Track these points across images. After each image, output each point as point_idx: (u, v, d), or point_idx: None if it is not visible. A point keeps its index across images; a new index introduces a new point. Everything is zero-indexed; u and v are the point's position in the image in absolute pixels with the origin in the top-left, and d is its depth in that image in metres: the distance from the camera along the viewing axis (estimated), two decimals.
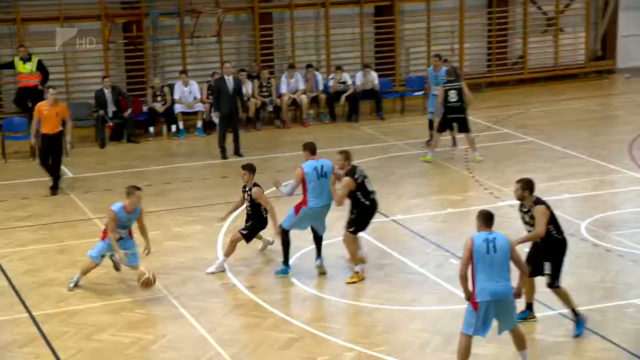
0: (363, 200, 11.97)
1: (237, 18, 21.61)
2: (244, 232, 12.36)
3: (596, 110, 21.24)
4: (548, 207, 10.29)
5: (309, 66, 20.81)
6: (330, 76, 20.98)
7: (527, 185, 10.28)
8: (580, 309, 10.90)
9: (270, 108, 20.33)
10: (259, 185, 12.33)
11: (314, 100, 20.73)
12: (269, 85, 20.23)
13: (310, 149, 12.46)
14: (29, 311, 11.22)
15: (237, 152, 17.89)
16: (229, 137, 17.85)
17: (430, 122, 17.96)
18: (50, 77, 19.12)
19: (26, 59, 18.86)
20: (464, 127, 17.04)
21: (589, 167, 16.73)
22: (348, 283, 12.01)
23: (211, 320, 10.97)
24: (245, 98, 18.77)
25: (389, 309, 11.21)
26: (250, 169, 12.34)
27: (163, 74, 20.18)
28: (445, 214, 14.36)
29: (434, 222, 14.08)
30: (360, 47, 22.12)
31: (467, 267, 9.31)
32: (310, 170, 12.10)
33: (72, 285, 11.83)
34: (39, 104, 16.06)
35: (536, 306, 11.03)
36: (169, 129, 19.73)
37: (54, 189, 15.85)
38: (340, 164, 12.05)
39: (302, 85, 20.45)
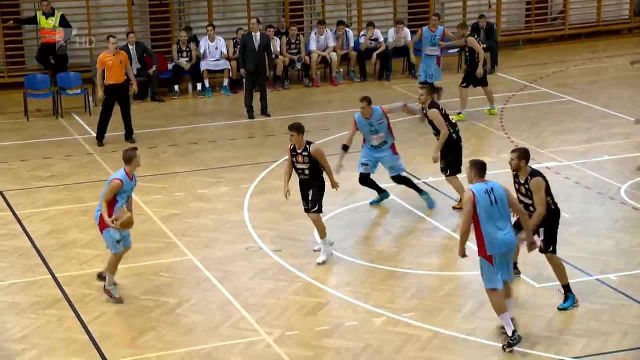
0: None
1: None
2: (317, 207, 11.57)
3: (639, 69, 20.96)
4: (544, 178, 10.16)
5: (340, 23, 20.68)
6: (362, 33, 20.86)
7: (523, 155, 10.11)
8: (619, 274, 10.91)
9: (298, 66, 20.28)
10: (313, 143, 11.66)
11: (345, 58, 20.64)
12: (297, 42, 20.15)
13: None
14: (52, 273, 11.38)
15: (264, 112, 17.90)
16: (256, 96, 17.86)
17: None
18: (74, 33, 19.18)
19: (49, 14, 18.93)
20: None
21: (630, 128, 16.52)
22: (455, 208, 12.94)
23: (236, 285, 11.07)
24: (274, 56, 18.72)
25: (419, 274, 11.24)
26: (298, 129, 11.42)
27: (190, 28, 20.07)
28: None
29: (467, 185, 14.00)
30: (393, 3, 21.95)
31: (471, 222, 9.40)
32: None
33: (116, 294, 10.63)
34: (101, 55, 16.28)
35: (573, 271, 11.01)
36: (195, 87, 19.76)
37: (130, 136, 16.33)
38: (422, 99, 12.78)
39: (332, 43, 20.36)
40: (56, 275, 11.32)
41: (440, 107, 12.95)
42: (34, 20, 19.26)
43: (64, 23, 19.00)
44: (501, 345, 9.50)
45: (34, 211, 13.44)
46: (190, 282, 11.20)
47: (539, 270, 11.15)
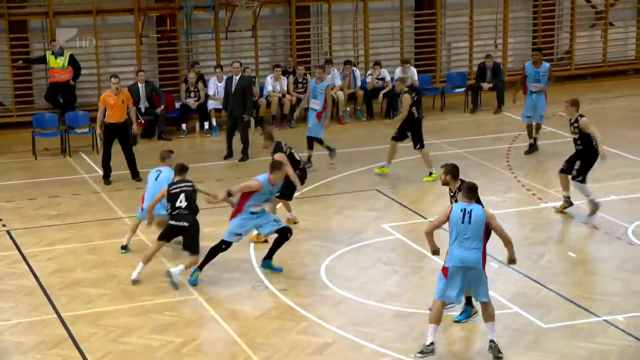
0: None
1: (273, 11, 21.68)
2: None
3: None
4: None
5: (347, 62, 20.80)
6: (369, 72, 20.98)
7: (449, 170, 10.88)
8: (628, 315, 10.87)
9: (305, 104, 20.30)
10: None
11: (351, 97, 20.73)
12: (304, 81, 20.26)
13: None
14: (57, 312, 11.34)
15: (242, 156, 17.73)
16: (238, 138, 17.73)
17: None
18: (83, 72, 19.35)
19: (58, 54, 19.07)
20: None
21: (637, 168, 16.55)
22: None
23: (242, 324, 11.02)
24: (255, 99, 18.69)
25: (425, 314, 11.16)
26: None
27: (198, 67, 20.20)
28: None
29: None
30: (400, 42, 22.10)
31: (434, 228, 10.24)
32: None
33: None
34: (104, 94, 16.50)
35: (581, 312, 10.96)
36: (202, 126, 19.83)
37: (136, 176, 16.36)
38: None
39: (339, 82, 20.45)
40: (61, 314, 11.28)
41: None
42: (43, 60, 19.40)
43: (73, 62, 19.14)
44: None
45: (39, 250, 13.44)
46: (195, 321, 11.16)
47: (546, 310, 11.12)
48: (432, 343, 9.91)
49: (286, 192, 13.47)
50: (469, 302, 10.91)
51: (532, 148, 17.63)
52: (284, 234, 12.33)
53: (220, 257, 13.03)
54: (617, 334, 10.50)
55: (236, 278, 12.38)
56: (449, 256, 9.97)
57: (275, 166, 12.18)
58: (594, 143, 13.95)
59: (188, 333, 10.81)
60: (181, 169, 12.55)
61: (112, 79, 16.51)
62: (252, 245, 13.42)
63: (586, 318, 10.89)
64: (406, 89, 16.31)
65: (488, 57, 21.14)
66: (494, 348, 9.91)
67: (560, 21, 23.45)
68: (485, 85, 20.98)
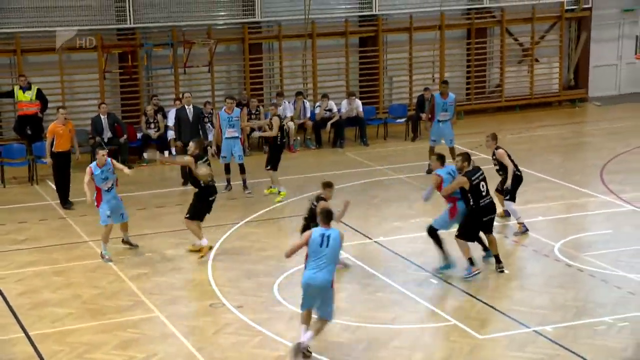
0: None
1: (227, 48, 21.68)
2: None
3: (569, 137, 21.37)
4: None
5: (298, 94, 20.89)
6: (317, 104, 21.08)
7: (465, 159, 12.62)
8: (555, 326, 10.99)
9: (258, 134, 20.30)
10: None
11: (301, 127, 20.79)
12: (257, 112, 20.25)
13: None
14: (25, 331, 11.14)
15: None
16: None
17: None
18: (49, 105, 19.13)
19: (26, 88, 18.87)
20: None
21: (563, 191, 16.80)
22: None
23: (201, 339, 10.94)
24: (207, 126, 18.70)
25: (371, 327, 11.20)
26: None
27: (157, 100, 20.14)
28: (425, 236, 14.32)
29: (415, 244, 14.09)
30: (346, 76, 22.23)
31: (295, 251, 10.46)
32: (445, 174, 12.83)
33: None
34: (52, 124, 16.39)
35: (512, 323, 11.07)
36: (162, 155, 19.71)
37: (67, 203, 16.20)
38: (458, 165, 12.86)
39: (289, 113, 20.51)
40: (29, 333, 11.09)
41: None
42: (11, 94, 19.18)
43: (40, 96, 18.95)
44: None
45: (8, 272, 13.22)
46: (156, 338, 11.04)
47: (481, 322, 11.21)
48: (299, 343, 10.19)
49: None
50: (471, 262, 12.30)
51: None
52: None
53: (181, 277, 12.99)
54: (546, 343, 10.60)
55: (195, 296, 12.30)
56: (304, 274, 10.23)
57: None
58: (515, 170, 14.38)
59: (150, 349, 10.69)
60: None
61: (60, 110, 16.49)
62: (210, 265, 13.36)
63: (518, 329, 10.99)
64: (278, 113, 16.92)
65: (426, 90, 21.33)
66: (307, 356, 10.22)
67: (491, 57, 23.77)
68: (424, 116, 21.15)
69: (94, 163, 13.51)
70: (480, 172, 12.75)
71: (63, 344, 10.76)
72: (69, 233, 14.94)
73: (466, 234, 12.67)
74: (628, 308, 11.57)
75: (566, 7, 23.72)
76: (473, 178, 12.57)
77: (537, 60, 23.94)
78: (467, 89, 23.50)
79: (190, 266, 13.43)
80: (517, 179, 14.42)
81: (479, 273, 12.59)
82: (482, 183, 12.65)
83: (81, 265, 13.39)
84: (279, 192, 16.56)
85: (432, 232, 12.91)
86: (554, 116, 23.24)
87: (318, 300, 10.25)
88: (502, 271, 12.75)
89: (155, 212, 16.12)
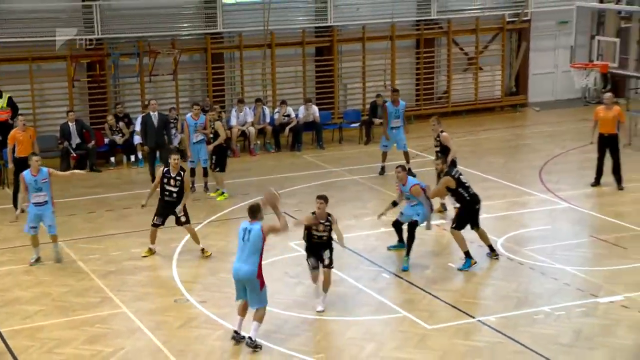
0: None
1: (191, 58, 21.56)
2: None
3: (511, 140, 21.58)
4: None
5: (257, 100, 20.84)
6: (276, 110, 21.04)
7: (445, 161, 13.25)
8: (498, 316, 11.08)
9: (211, 147, 20.20)
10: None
11: (261, 132, 20.75)
12: (219, 119, 20.12)
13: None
14: None
15: None
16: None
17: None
18: (20, 112, 18.83)
19: None
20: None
21: (505, 190, 16.95)
22: None
23: (166, 333, 10.86)
24: (173, 131, 18.53)
25: (327, 320, 11.21)
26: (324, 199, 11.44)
27: (121, 107, 19.97)
28: (378, 233, 14.42)
29: (368, 241, 14.14)
30: (303, 84, 22.22)
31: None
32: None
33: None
34: (12, 131, 16.08)
35: (459, 314, 11.15)
36: (128, 159, 19.56)
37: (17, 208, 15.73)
38: (439, 167, 13.27)
39: (250, 118, 20.46)
40: (0, 330, 10.92)
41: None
42: None
43: (11, 103, 18.66)
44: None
45: None
46: (123, 332, 10.93)
47: (430, 313, 11.27)
48: (235, 332, 10.39)
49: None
50: (468, 255, 12.46)
51: (383, 171, 18.04)
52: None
53: (147, 275, 12.89)
54: (490, 332, 10.70)
55: (160, 292, 12.21)
56: (233, 266, 10.35)
57: None
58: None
59: (117, 343, 10.59)
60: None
61: (19, 117, 16.27)
62: (174, 263, 13.27)
63: (464, 319, 11.07)
64: (217, 117, 17.06)
65: (378, 96, 21.40)
66: (251, 343, 10.24)
67: (439, 66, 23.92)
68: (377, 121, 21.19)
69: (28, 171, 13.03)
70: (456, 168, 12.99)
71: (34, 339, 10.62)
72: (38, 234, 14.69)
73: (461, 224, 12.83)
74: (564, 298, 11.73)
75: (507, 19, 23.95)
76: (455, 174, 12.73)
77: (481, 69, 24.14)
78: (417, 95, 23.62)
79: (156, 264, 13.33)
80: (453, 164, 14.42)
81: (497, 257, 12.98)
82: (462, 176, 12.87)
83: (51, 264, 13.21)
84: (222, 192, 16.47)
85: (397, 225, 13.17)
86: (497, 120, 23.46)
87: (247, 290, 10.29)
88: (497, 257, 13.06)
89: (123, 213, 15.97)
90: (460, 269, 12.72)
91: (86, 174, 13.74)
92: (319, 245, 11.47)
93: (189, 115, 17.20)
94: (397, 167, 13.12)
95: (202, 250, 13.50)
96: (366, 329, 10.89)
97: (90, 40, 20.01)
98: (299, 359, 10.10)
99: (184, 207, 13.39)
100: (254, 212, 10.32)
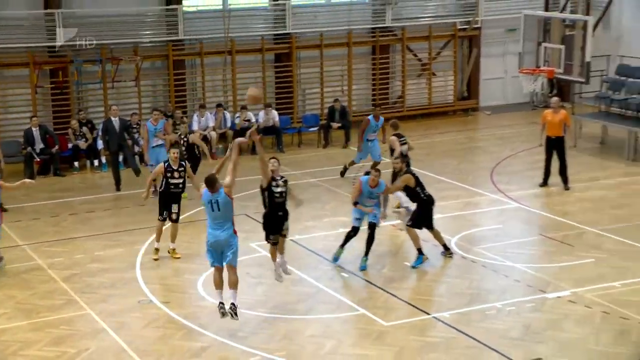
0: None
1: (153, 64, 21.39)
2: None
3: (463, 143, 21.76)
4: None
5: (218, 105, 20.76)
6: (237, 115, 20.97)
7: (405, 160, 13.15)
8: (451, 312, 11.16)
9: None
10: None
11: (222, 136, 20.65)
12: (181, 123, 20.03)
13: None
14: None
15: (137, 174, 17.33)
16: (128, 171, 17.44)
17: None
18: None
19: None
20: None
21: (458, 191, 17.09)
22: None
23: (130, 333, 10.76)
24: (133, 136, 18.41)
25: (288, 318, 11.20)
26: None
27: (84, 114, 19.76)
28: (336, 234, 14.42)
29: (327, 241, 14.16)
30: (263, 89, 22.15)
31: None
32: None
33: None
34: None
35: (415, 311, 11.21)
36: (92, 164, 19.35)
37: None
38: (397, 166, 13.29)
39: (211, 123, 20.37)
40: None
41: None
42: None
43: None
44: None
45: None
46: (88, 333, 10.81)
47: (387, 310, 11.32)
48: (220, 303, 10.46)
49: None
50: (420, 251, 12.61)
51: (344, 173, 18.11)
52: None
53: (110, 277, 12.76)
54: (444, 328, 10.78)
55: (124, 294, 12.09)
56: (207, 235, 10.49)
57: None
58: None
59: (82, 344, 10.46)
60: None
61: None
62: (138, 264, 13.16)
63: (419, 316, 11.14)
64: (189, 132, 17.03)
65: (336, 101, 21.50)
66: (234, 309, 10.40)
67: (394, 71, 24.03)
68: (335, 125, 21.31)
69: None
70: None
71: None
72: (3, 239, 14.41)
73: (417, 222, 12.92)
74: (514, 294, 11.86)
75: (459, 27, 24.16)
76: (414, 173, 12.82)
77: (434, 74, 24.32)
78: (373, 100, 23.70)
79: (120, 266, 13.19)
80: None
81: (451, 255, 13.08)
82: (418, 176, 13.03)
83: (15, 267, 13.01)
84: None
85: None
86: (450, 124, 23.64)
87: (225, 250, 10.45)
88: (451, 256, 13.14)
89: (86, 217, 15.79)
90: (412, 266, 12.80)
91: (36, 183, 13.51)
92: (280, 207, 11.69)
93: (149, 120, 17.07)
94: (375, 170, 12.97)
95: (173, 250, 13.40)
96: (325, 327, 10.90)
97: (52, 47, 19.79)
98: (261, 357, 10.07)
99: (179, 205, 13.44)
100: (212, 183, 10.46)
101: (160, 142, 16.85)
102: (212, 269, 10.81)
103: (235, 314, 10.44)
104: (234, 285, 10.54)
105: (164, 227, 13.54)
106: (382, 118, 17.99)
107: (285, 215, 11.78)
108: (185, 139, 16.02)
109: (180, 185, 13.47)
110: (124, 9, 20.46)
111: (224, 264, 10.59)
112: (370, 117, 17.93)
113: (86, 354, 10.18)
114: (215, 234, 10.45)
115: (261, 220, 12.02)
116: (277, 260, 11.82)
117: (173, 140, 18.51)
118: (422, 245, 12.93)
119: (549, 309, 11.31)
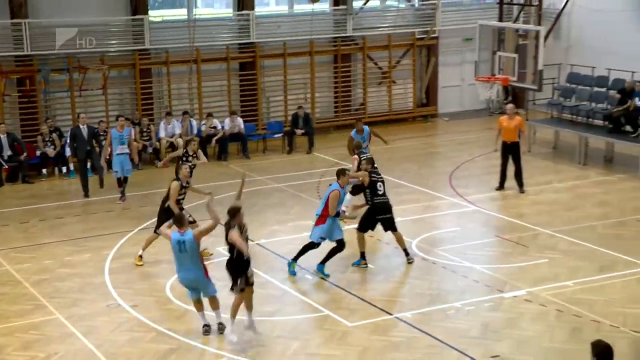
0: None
1: (120, 73, 21.20)
2: None
3: (423, 148, 21.90)
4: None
5: (184, 113, 20.64)
6: (203, 122, 20.87)
7: (370, 161, 13.13)
8: (413, 312, 11.21)
9: (150, 150, 20.03)
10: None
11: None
12: (149, 130, 19.95)
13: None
14: None
15: (101, 185, 17.13)
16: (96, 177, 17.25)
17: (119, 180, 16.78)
18: None
19: None
20: None
21: (418, 195, 17.18)
22: None
23: (99, 337, 10.64)
24: (103, 144, 18.27)
25: (255, 320, 11.13)
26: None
27: (51, 122, 19.51)
28: (301, 237, 14.40)
29: (292, 245, 14.12)
30: (228, 97, 22.10)
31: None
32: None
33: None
34: None
35: (378, 312, 11.24)
36: (60, 171, 19.11)
37: None
38: (363, 166, 13.28)
39: (178, 130, 20.25)
40: None
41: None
42: None
43: None
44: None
45: None
46: (57, 338, 10.67)
47: (351, 311, 11.33)
48: (205, 325, 10.60)
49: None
50: (363, 255, 12.77)
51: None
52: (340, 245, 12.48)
53: (79, 281, 12.59)
54: (406, 327, 10.82)
55: (93, 298, 11.95)
56: (178, 275, 10.48)
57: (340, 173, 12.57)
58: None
59: (51, 348, 10.32)
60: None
61: None
62: (107, 269, 13.02)
63: (382, 316, 11.17)
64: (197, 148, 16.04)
65: (300, 108, 21.51)
66: (222, 327, 10.56)
67: (355, 79, 24.12)
68: (298, 131, 21.31)
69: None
70: (381, 175, 13.07)
71: None
72: None
73: (363, 226, 12.93)
74: (473, 294, 11.95)
75: (417, 36, 24.33)
76: (373, 175, 12.81)
77: (394, 82, 24.45)
78: (335, 107, 23.77)
79: (88, 271, 13.04)
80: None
81: (366, 266, 12.88)
82: (380, 183, 12.95)
83: None
84: None
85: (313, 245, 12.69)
86: (410, 130, 23.77)
87: (198, 288, 10.47)
88: (412, 262, 13.06)
89: (55, 223, 15.59)
90: (353, 264, 12.90)
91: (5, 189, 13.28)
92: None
93: (114, 128, 16.92)
94: (344, 170, 12.83)
95: (140, 257, 13.22)
96: (292, 328, 10.88)
97: (19, 57, 19.54)
98: (228, 358, 10.02)
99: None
100: (180, 221, 10.38)
101: (125, 150, 16.69)
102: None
103: (223, 331, 10.50)
104: (216, 306, 10.60)
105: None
106: (366, 128, 16.72)
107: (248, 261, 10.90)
108: (194, 155, 14.88)
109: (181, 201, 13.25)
110: (91, 18, 20.26)
111: (204, 297, 10.60)
112: (352, 132, 16.69)
113: (55, 358, 10.04)
114: (183, 276, 10.42)
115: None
116: (246, 321, 10.90)
117: (140, 147, 18.35)
118: (365, 250, 12.95)
119: (506, 308, 11.42)
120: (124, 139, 16.64)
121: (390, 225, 13.08)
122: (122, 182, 16.76)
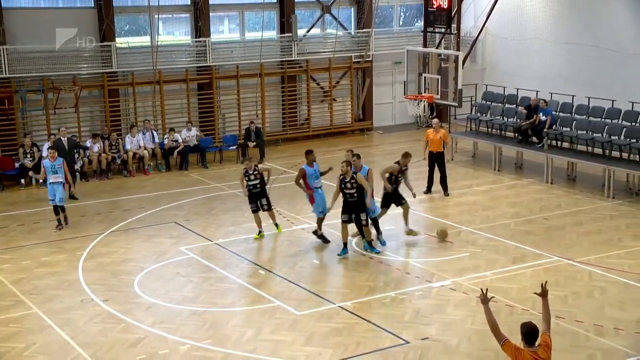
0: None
1: (90, 93, 20.82)
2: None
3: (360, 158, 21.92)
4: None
5: (146, 120, 20.39)
6: (165, 136, 20.63)
7: (358, 157, 13.29)
8: (354, 301, 11.25)
9: (118, 161, 19.71)
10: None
11: (153, 154, 20.28)
12: (117, 144, 19.64)
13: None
14: None
15: (70, 197, 16.77)
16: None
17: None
18: None
19: None
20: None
21: None
22: None
23: (73, 329, 10.42)
24: (85, 152, 17.95)
25: (214, 311, 11.07)
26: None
27: (30, 137, 19.06)
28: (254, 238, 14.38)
29: (247, 243, 14.08)
30: (188, 114, 21.90)
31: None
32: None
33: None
34: None
35: (323, 302, 11.23)
36: (37, 181, 18.62)
37: None
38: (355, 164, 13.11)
39: (142, 142, 19.99)
40: None
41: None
42: None
43: None
44: None
45: None
46: (35, 330, 10.41)
47: (299, 302, 11.32)
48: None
49: None
50: (345, 246, 12.83)
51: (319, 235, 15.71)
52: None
53: (56, 279, 12.32)
54: (348, 315, 10.85)
55: (68, 294, 11.70)
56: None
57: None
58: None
59: (29, 339, 10.08)
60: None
61: None
62: (80, 268, 12.76)
63: (327, 306, 11.17)
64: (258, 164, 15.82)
65: (252, 123, 21.41)
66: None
67: (300, 97, 24.13)
68: (251, 144, 21.22)
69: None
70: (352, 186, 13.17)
71: None
72: None
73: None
74: (406, 284, 12.05)
75: (354, 60, 24.49)
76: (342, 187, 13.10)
77: (334, 100, 24.53)
78: (283, 122, 23.75)
79: (64, 270, 12.76)
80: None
81: (346, 255, 13.01)
82: (346, 180, 13.09)
83: None
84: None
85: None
86: (348, 142, 23.84)
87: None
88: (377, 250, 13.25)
89: (33, 227, 15.21)
90: (338, 254, 13.02)
91: None
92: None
93: (46, 159, 15.22)
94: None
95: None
96: (246, 317, 10.83)
97: None
98: (190, 345, 9.91)
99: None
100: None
101: (59, 179, 15.02)
102: (145, 271, 10.46)
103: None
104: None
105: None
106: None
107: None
108: (255, 172, 14.21)
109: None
110: (63, 45, 19.88)
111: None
112: (304, 166, 14.16)
113: (34, 348, 9.81)
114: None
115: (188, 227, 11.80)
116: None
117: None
118: (347, 241, 13.11)
119: (434, 295, 11.55)
120: (55, 168, 15.19)
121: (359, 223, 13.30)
122: (58, 210, 15.07)
